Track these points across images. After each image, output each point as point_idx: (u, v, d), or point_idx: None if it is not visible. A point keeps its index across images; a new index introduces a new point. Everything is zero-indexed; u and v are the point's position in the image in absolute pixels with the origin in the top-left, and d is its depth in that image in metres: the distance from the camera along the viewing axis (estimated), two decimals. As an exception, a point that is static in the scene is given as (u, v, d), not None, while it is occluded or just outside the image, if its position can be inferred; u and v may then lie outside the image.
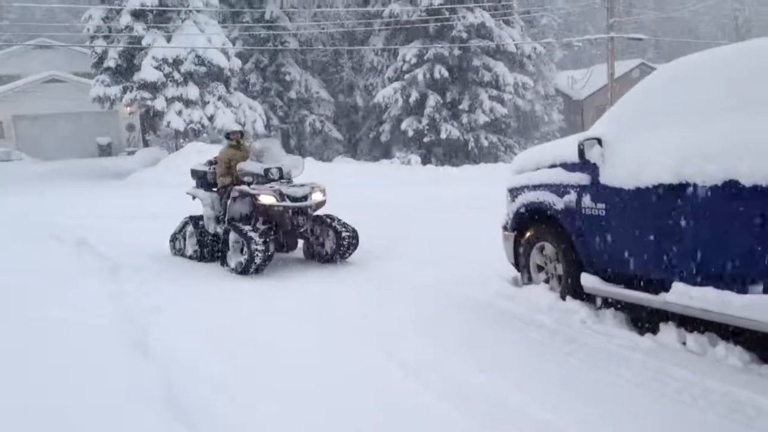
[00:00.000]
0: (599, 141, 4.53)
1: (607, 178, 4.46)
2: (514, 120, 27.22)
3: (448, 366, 3.94)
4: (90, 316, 5.23)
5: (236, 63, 23.88)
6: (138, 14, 22.25)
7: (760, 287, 3.51)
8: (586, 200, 4.65)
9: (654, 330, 4.28)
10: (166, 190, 14.36)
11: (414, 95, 24.77)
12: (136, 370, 4.04)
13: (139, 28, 22.04)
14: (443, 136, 24.75)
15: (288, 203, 7.12)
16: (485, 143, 25.33)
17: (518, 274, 5.69)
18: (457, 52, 24.70)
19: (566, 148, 4.91)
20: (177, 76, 22.06)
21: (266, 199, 7.09)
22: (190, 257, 8.17)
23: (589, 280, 4.69)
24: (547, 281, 5.31)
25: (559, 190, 4.90)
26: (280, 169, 7.46)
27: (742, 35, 46.67)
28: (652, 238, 4.14)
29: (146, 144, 31.34)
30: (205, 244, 7.99)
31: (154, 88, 21.87)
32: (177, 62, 22.03)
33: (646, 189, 4.13)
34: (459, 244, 7.73)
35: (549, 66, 31.26)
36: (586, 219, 4.67)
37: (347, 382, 3.80)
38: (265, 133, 24.42)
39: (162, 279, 6.90)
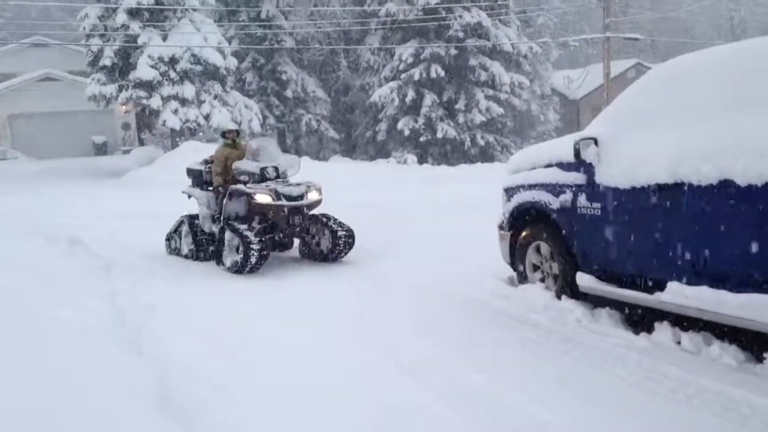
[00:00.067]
0: (595, 141, 4.54)
1: (602, 177, 4.46)
2: (510, 119, 27.23)
3: (447, 366, 3.94)
4: (84, 316, 5.21)
5: (232, 62, 23.85)
6: (134, 13, 22.20)
7: (755, 286, 3.51)
8: (582, 200, 4.65)
9: (649, 329, 4.29)
10: (162, 189, 14.33)
11: (410, 95, 24.77)
12: (131, 369, 4.03)
13: (135, 26, 21.99)
14: (439, 135, 24.76)
15: (284, 202, 7.11)
16: (481, 143, 25.35)
17: (514, 274, 5.70)
18: (453, 51, 24.70)
19: (562, 147, 4.91)
20: (173, 74, 22.02)
21: (262, 198, 7.08)
22: (186, 256, 8.16)
23: (584, 280, 4.70)
24: (542, 280, 5.32)
25: (555, 189, 4.91)
26: (276, 168, 7.46)
27: (738, 35, 46.76)
28: (647, 237, 4.15)
29: (142, 143, 31.33)
30: (201, 243, 7.98)
31: (149, 86, 21.82)
32: (173, 61, 21.99)
33: (642, 188, 4.13)
34: (455, 243, 7.73)
35: (545, 65, 31.30)
36: (581, 218, 4.68)
37: (346, 381, 3.80)
38: (261, 132, 24.39)
39: (157, 278, 6.88)
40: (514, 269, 5.65)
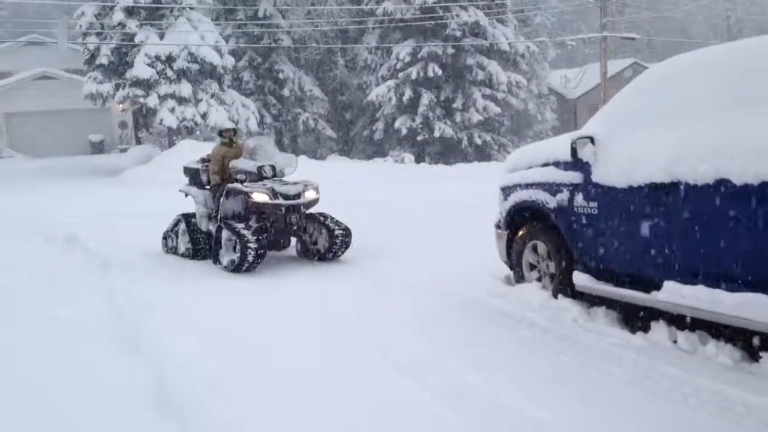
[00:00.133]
0: (592, 140, 4.54)
1: (599, 176, 4.47)
2: (507, 119, 27.25)
3: (443, 365, 3.94)
4: (82, 314, 5.20)
5: (229, 60, 23.82)
6: (131, 11, 22.16)
7: (751, 286, 3.52)
8: (579, 199, 4.66)
9: (645, 328, 4.30)
10: (159, 187, 14.31)
11: (407, 94, 24.77)
12: (128, 368, 4.03)
13: (131, 25, 21.94)
14: (437, 134, 24.76)
15: (281, 201, 7.11)
16: (478, 142, 25.35)
17: (511, 273, 5.70)
18: (450, 50, 24.70)
19: (559, 146, 4.92)
20: (170, 73, 21.98)
21: (259, 196, 7.08)
22: (183, 255, 8.15)
23: (581, 279, 4.71)
24: (539, 279, 5.33)
25: (552, 188, 4.91)
26: (273, 167, 7.46)
27: (734, 35, 46.84)
28: (643, 236, 4.15)
29: (139, 141, 31.27)
30: (198, 242, 7.98)
31: (146, 85, 21.78)
32: (170, 59, 21.95)
33: (639, 187, 4.14)
34: (452, 242, 7.73)
35: (542, 65, 31.32)
36: (578, 217, 4.69)
37: (343, 380, 3.80)
38: (258, 131, 24.36)
39: (154, 277, 6.87)
40: (511, 268, 5.65)
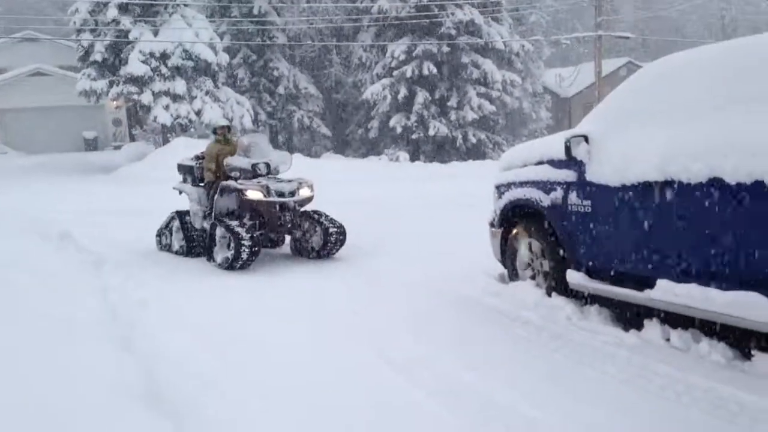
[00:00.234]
0: (586, 138, 4.55)
1: (593, 175, 4.48)
2: (502, 117, 27.28)
3: (438, 363, 3.94)
4: (76, 312, 5.19)
5: (224, 58, 23.78)
6: (125, 8, 22.10)
7: (743, 284, 3.54)
8: (573, 197, 4.67)
9: (638, 326, 4.30)
10: (153, 185, 14.29)
11: (402, 92, 24.77)
12: (122, 365, 4.02)
13: (126, 21, 21.89)
14: (431, 132, 24.77)
15: (275, 199, 7.10)
16: (473, 140, 25.38)
17: (505, 271, 5.71)
18: (445, 49, 24.71)
19: (553, 145, 4.92)
20: (164, 70, 21.94)
21: (253, 194, 7.07)
22: (177, 252, 8.14)
23: (574, 277, 4.71)
24: (533, 278, 5.33)
25: (546, 187, 4.92)
26: (267, 165, 7.45)
27: (729, 34, 47.00)
28: (637, 234, 4.16)
29: (133, 138, 31.19)
30: (192, 239, 7.97)
31: (140, 82, 21.74)
32: (164, 56, 21.91)
33: (632, 186, 4.15)
34: (447, 240, 7.74)
35: (537, 63, 31.36)
36: (572, 216, 4.69)
37: (338, 378, 3.79)
38: (252, 129, 24.34)
39: (148, 274, 6.86)
40: (505, 266, 5.66)
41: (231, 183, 7.32)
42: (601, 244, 4.50)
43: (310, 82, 28.84)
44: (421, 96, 24.78)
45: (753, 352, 3.66)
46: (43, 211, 12.05)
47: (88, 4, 22.56)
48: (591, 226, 4.55)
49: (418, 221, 9.76)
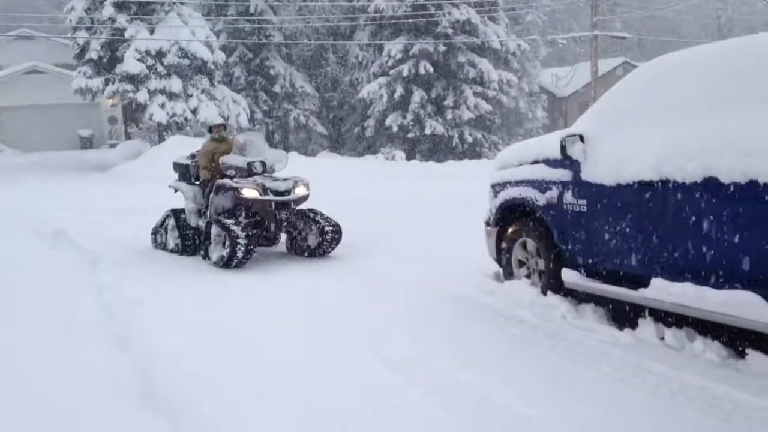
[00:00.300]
0: (581, 137, 4.55)
1: (588, 174, 4.48)
2: (498, 116, 27.29)
3: (435, 362, 3.93)
4: (71, 310, 5.18)
5: (220, 56, 23.75)
6: (121, 6, 22.04)
7: (737, 283, 3.55)
8: (568, 196, 4.67)
9: (633, 325, 4.31)
10: (149, 183, 14.26)
11: (399, 91, 24.75)
12: (119, 364, 4.01)
13: (122, 19, 21.84)
14: (428, 131, 24.76)
15: (271, 197, 7.09)
16: (469, 139, 25.39)
17: (500, 270, 5.71)
18: (442, 48, 24.71)
19: (549, 144, 4.93)
20: (160, 68, 21.89)
21: (249, 192, 7.06)
22: (172, 251, 8.13)
23: (569, 276, 4.72)
24: (528, 276, 5.34)
25: (542, 186, 4.93)
26: (263, 163, 7.44)
27: (725, 34, 47.11)
28: (632, 234, 4.18)
29: (128, 137, 31.09)
30: (187, 238, 7.95)
31: (136, 80, 21.69)
32: (160, 54, 21.86)
33: (627, 185, 4.16)
34: (443, 239, 7.74)
35: (533, 63, 31.41)
36: (567, 215, 4.70)
37: (334, 377, 3.79)
38: (249, 127, 24.32)
39: (144, 272, 6.84)
40: (500, 265, 5.67)
41: (226, 181, 7.31)
42: (596, 243, 4.51)
43: (306, 81, 28.81)
44: (418, 95, 24.77)
45: (747, 350, 3.67)
46: (38, 209, 12.01)
47: (84, 1, 22.52)
48: (586, 225, 4.56)
49: (414, 220, 9.76)
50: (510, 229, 5.45)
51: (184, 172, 8.26)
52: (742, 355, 3.71)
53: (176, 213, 8.14)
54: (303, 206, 7.58)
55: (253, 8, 26.82)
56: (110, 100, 24.65)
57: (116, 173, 20.33)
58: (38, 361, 3.95)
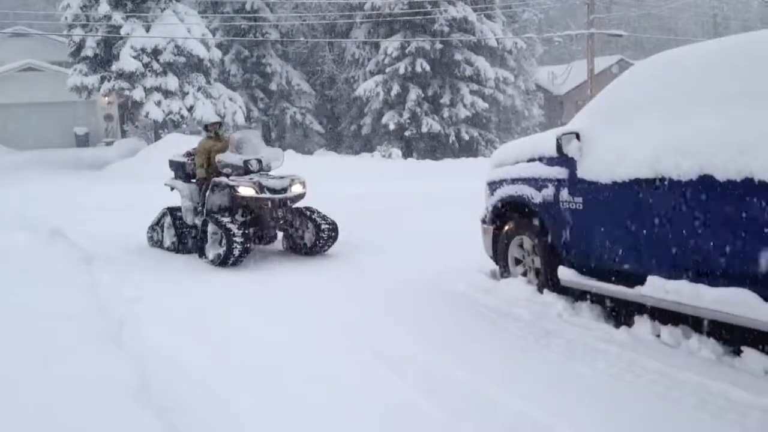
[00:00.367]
0: (577, 135, 4.55)
1: (584, 172, 4.48)
2: (494, 114, 27.31)
3: (431, 360, 3.92)
4: (65, 308, 5.16)
5: (216, 54, 23.71)
6: (116, 3, 22.01)
7: (733, 281, 3.55)
8: (564, 194, 4.67)
9: (629, 322, 4.32)
10: (145, 181, 14.23)
11: (395, 89, 24.75)
12: (113, 363, 3.99)
13: (117, 17, 21.79)
14: (424, 129, 24.77)
15: (267, 195, 7.09)
16: (466, 137, 25.40)
17: (497, 268, 5.71)
18: (438, 46, 24.72)
19: (545, 142, 4.93)
20: (156, 66, 21.85)
21: (245, 190, 7.06)
22: (168, 249, 8.12)
23: (565, 274, 4.72)
24: (524, 274, 5.34)
25: (538, 183, 4.93)
26: (259, 161, 7.43)
27: (720, 32, 47.16)
28: (628, 231, 4.18)
29: (124, 135, 31.07)
30: (183, 236, 7.95)
31: (132, 78, 21.65)
32: (156, 52, 21.82)
33: (623, 183, 4.16)
34: (439, 237, 7.74)
35: (530, 61, 31.42)
36: (563, 213, 4.70)
37: (333, 376, 3.78)
38: (245, 125, 24.29)
39: (139, 271, 6.83)
40: (497, 263, 5.67)
41: (223, 179, 7.30)
42: (592, 240, 4.52)
43: (302, 79, 28.79)
44: (414, 93, 24.77)
45: (742, 348, 3.68)
46: (34, 207, 11.97)
47: (80, -1, 22.46)
48: (582, 222, 4.56)
49: (411, 218, 9.76)
50: (506, 227, 5.46)
51: (181, 170, 8.25)
52: (737, 352, 3.71)
53: (172, 211, 8.13)
54: (299, 204, 7.58)
55: (249, 5, 26.79)
56: (106, 98, 24.65)
57: (112, 171, 20.29)
58: (28, 360, 3.93)
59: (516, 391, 3.43)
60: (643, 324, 4.21)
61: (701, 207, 3.68)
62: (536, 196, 4.93)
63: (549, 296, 4.87)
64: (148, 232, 8.52)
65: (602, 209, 4.37)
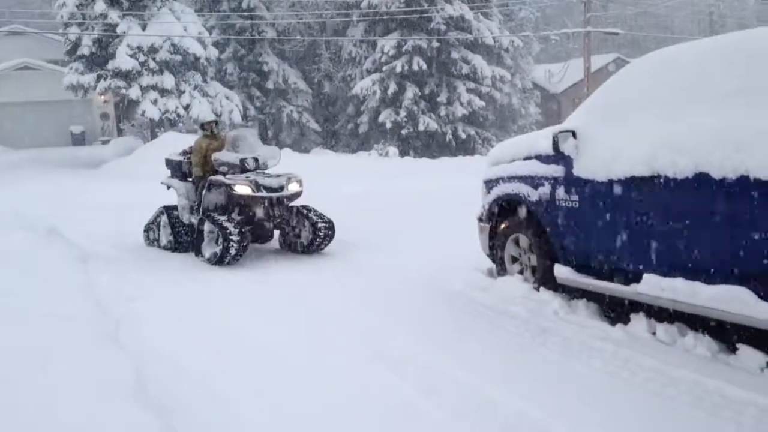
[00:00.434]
0: (573, 133, 4.56)
1: (580, 170, 4.49)
2: (491, 113, 27.33)
3: (429, 359, 3.92)
4: (63, 307, 5.17)
5: (213, 52, 23.67)
6: (112, 1, 21.95)
7: (728, 278, 3.56)
8: (560, 192, 4.68)
9: (625, 320, 4.33)
10: (141, 179, 14.21)
11: (392, 87, 24.75)
12: (112, 363, 4.00)
13: (113, 15, 21.74)
14: (421, 128, 24.78)
15: (264, 193, 7.08)
16: (463, 135, 25.42)
17: (493, 266, 5.72)
18: (435, 44, 24.72)
19: (541, 140, 4.93)
20: (152, 64, 21.81)
21: (242, 189, 7.05)
22: (164, 247, 8.10)
23: (562, 271, 4.73)
24: (521, 272, 5.35)
25: (534, 182, 4.93)
26: (256, 160, 7.42)
27: (717, 30, 47.22)
28: (623, 229, 4.19)
29: (120, 133, 30.99)
30: (180, 235, 7.93)
31: (128, 76, 21.60)
32: (152, 50, 21.78)
33: (619, 181, 4.17)
34: (436, 235, 7.74)
35: (526, 59, 31.43)
36: (559, 210, 4.71)
37: (331, 376, 3.78)
38: (242, 123, 24.27)
39: (136, 270, 6.82)
40: (494, 261, 5.67)
41: (219, 178, 7.29)
42: (588, 238, 4.52)
43: (299, 77, 28.76)
44: (411, 91, 24.77)
45: (738, 345, 3.69)
46: (30, 206, 11.95)
47: (75, -3, 22.40)
48: (578, 220, 4.57)
49: (408, 216, 9.76)
50: (503, 225, 5.46)
51: (177, 169, 8.24)
52: (733, 349, 3.73)
53: (169, 210, 8.12)
54: (296, 203, 7.57)
55: (245, 4, 26.75)
56: (102, 97, 24.59)
57: (108, 170, 20.25)
58: (26, 360, 3.93)
59: (516, 390, 3.42)
60: (638, 322, 4.22)
61: (697, 205, 3.68)
62: (533, 194, 4.94)
63: (545, 294, 4.87)
64: (144, 231, 8.51)
65: (598, 207, 4.38)
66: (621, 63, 33.52)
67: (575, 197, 4.56)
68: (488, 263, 5.86)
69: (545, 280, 4.96)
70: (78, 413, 3.23)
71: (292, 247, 7.72)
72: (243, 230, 6.98)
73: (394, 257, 6.90)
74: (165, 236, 8.11)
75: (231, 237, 6.80)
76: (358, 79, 26.59)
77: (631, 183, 4.08)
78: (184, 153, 8.28)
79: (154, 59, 21.83)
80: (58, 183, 16.66)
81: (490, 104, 26.55)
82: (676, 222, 3.83)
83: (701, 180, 3.63)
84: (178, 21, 22.48)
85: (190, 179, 7.99)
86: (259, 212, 7.28)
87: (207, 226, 7.22)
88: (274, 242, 8.05)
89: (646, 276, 4.03)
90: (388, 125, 24.98)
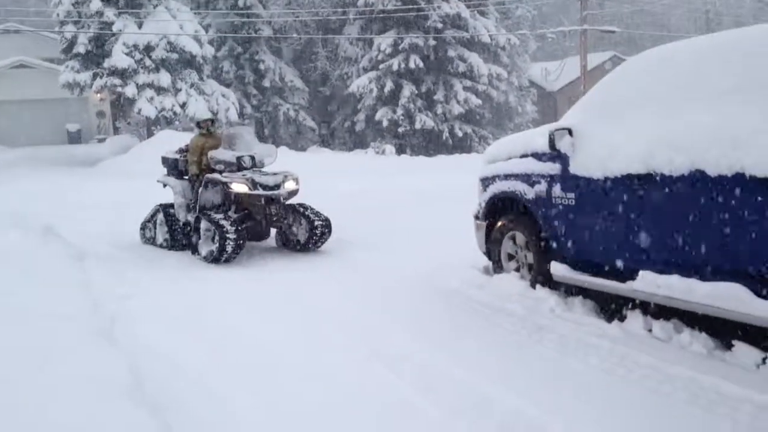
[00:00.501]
0: (570, 131, 4.56)
1: (577, 167, 4.49)
2: (488, 111, 27.34)
3: (427, 358, 3.92)
4: (59, 306, 5.14)
5: (209, 50, 23.63)
6: (108, -1, 21.92)
7: (724, 275, 3.57)
8: (557, 190, 4.68)
9: (621, 317, 4.34)
10: (137, 178, 14.18)
11: (389, 85, 24.74)
12: (110, 361, 3.98)
13: (109, 13, 21.69)
14: (418, 126, 24.78)
15: (260, 191, 7.08)
16: (459, 133, 25.42)
17: (489, 263, 5.72)
18: (432, 42, 24.71)
19: (537, 138, 4.93)
20: (148, 62, 21.77)
21: (238, 187, 7.04)
22: (161, 245, 8.10)
23: (558, 269, 4.74)
24: (517, 270, 5.35)
25: (530, 179, 4.93)
26: (252, 158, 7.42)
27: (713, 28, 47.27)
28: (620, 227, 4.19)
29: (117, 131, 30.93)
30: (176, 233, 7.93)
31: (124, 74, 21.56)
32: (148, 49, 21.73)
33: (615, 178, 4.17)
34: (433, 233, 7.74)
35: (523, 57, 31.45)
36: (556, 208, 4.71)
37: (329, 374, 3.78)
38: (238, 122, 24.23)
39: (132, 268, 6.82)
40: (490, 259, 5.68)
41: (216, 176, 7.28)
42: (584, 236, 4.53)
43: (296, 75, 28.73)
44: (408, 89, 24.77)
45: (733, 342, 3.70)
46: (26, 204, 11.92)
47: (71, -5, 22.35)
48: (574, 218, 4.57)
49: (404, 214, 9.77)
50: (499, 223, 5.46)
51: (173, 167, 8.23)
52: (729, 346, 3.73)
53: (165, 208, 8.11)
54: (293, 201, 7.57)
55: (241, 2, 26.70)
56: (98, 95, 24.52)
57: (104, 168, 20.21)
58: (22, 359, 3.91)
59: (512, 388, 3.42)
60: (634, 319, 4.23)
61: (694, 202, 3.69)
62: (529, 192, 4.94)
63: (542, 291, 4.88)
64: (140, 229, 8.50)
65: (595, 205, 4.38)
66: (617, 61, 33.53)
67: (572, 195, 4.57)
68: (485, 261, 5.86)
69: (542, 277, 4.96)
70: (75, 412, 3.21)
71: (288, 245, 7.72)
72: (239, 228, 6.97)
73: (391, 255, 6.90)
74: (161, 234, 8.11)
75: (227, 235, 6.79)
76: (354, 77, 26.58)
77: (628, 180, 4.08)
78: (181, 151, 8.27)
79: (150, 57, 21.79)
80: (54, 181, 16.61)
81: (486, 102, 26.56)
82: (673, 219, 3.83)
83: (697, 177, 3.64)
84: (174, 19, 22.45)
85: (187, 177, 7.98)
86: (256, 210, 7.28)
87: (203, 224, 7.21)
88: (271, 240, 8.05)
89: (642, 273, 4.04)
90: (385, 123, 24.98)
